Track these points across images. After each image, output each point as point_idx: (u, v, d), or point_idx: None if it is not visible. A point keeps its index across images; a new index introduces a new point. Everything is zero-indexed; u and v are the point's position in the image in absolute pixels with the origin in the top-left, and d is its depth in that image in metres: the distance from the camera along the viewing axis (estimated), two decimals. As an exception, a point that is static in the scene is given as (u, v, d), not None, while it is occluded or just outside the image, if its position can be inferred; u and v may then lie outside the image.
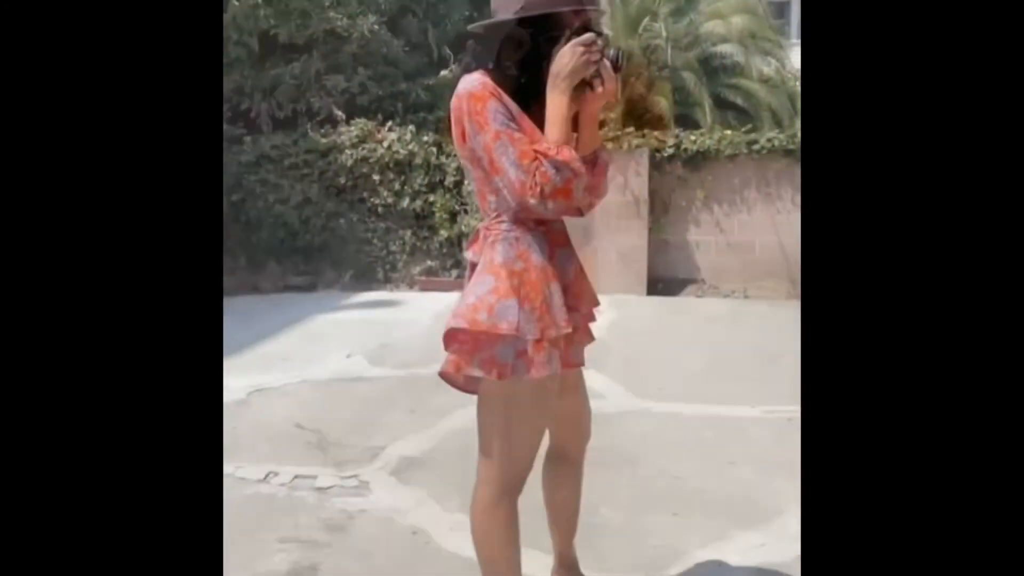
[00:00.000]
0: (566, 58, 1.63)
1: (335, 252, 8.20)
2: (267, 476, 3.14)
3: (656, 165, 7.32)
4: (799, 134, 7.12)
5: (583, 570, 2.33)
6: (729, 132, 7.53)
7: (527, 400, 1.71)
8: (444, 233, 7.70)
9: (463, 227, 7.58)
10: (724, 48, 14.90)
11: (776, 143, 7.05)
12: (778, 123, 12.93)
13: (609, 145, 7.10)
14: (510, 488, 1.75)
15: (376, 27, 8.01)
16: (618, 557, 2.47)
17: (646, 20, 13.79)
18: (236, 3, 7.28)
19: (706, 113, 13.92)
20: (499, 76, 1.69)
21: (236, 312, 7.13)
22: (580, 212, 1.85)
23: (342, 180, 7.93)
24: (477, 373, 1.66)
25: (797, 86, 16.39)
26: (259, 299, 7.89)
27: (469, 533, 2.61)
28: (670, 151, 7.23)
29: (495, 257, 1.68)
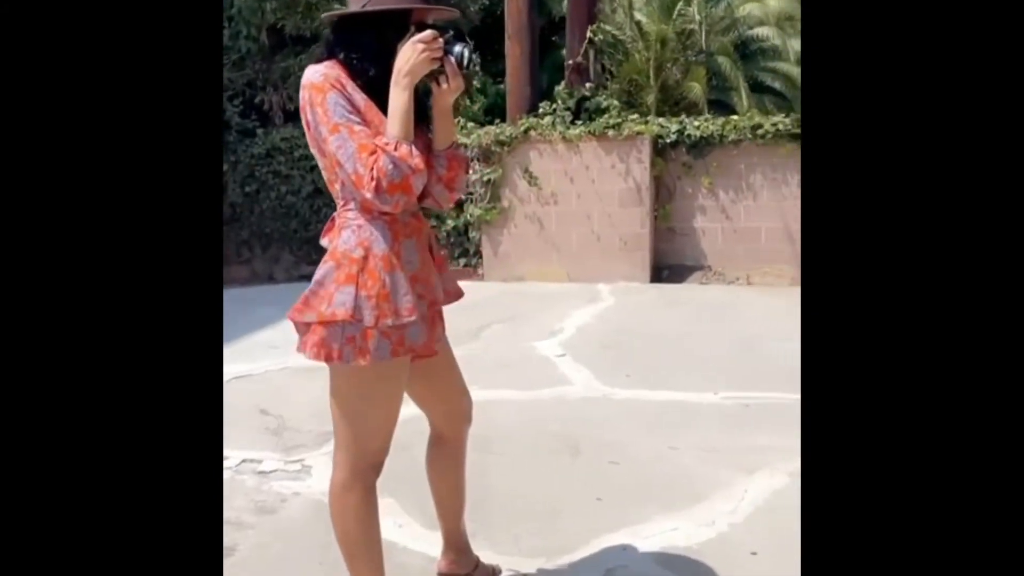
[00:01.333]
0: (406, 54, 1.66)
1: (345, 242, 8.32)
2: (217, 459, 3.23)
3: (660, 152, 7.26)
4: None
5: (489, 552, 2.37)
6: (734, 117, 7.43)
7: (367, 385, 1.74)
8: (451, 222, 7.76)
9: (469, 216, 7.63)
10: (761, 31, 14.68)
11: (781, 127, 6.93)
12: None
13: (610, 133, 7.08)
14: (360, 472, 1.79)
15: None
16: (529, 541, 2.50)
17: (680, 4, 13.63)
18: (240, -2, 7.44)
19: (742, 98, 13.76)
20: (349, 67, 1.72)
21: (246, 301, 7.31)
22: (440, 205, 1.88)
23: (351, 171, 8.05)
24: (308, 355, 1.70)
25: (836, 68, 15.96)
26: (272, 288, 8.07)
27: (391, 514, 2.69)
28: (673, 137, 7.17)
29: (338, 244, 1.72)
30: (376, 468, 1.82)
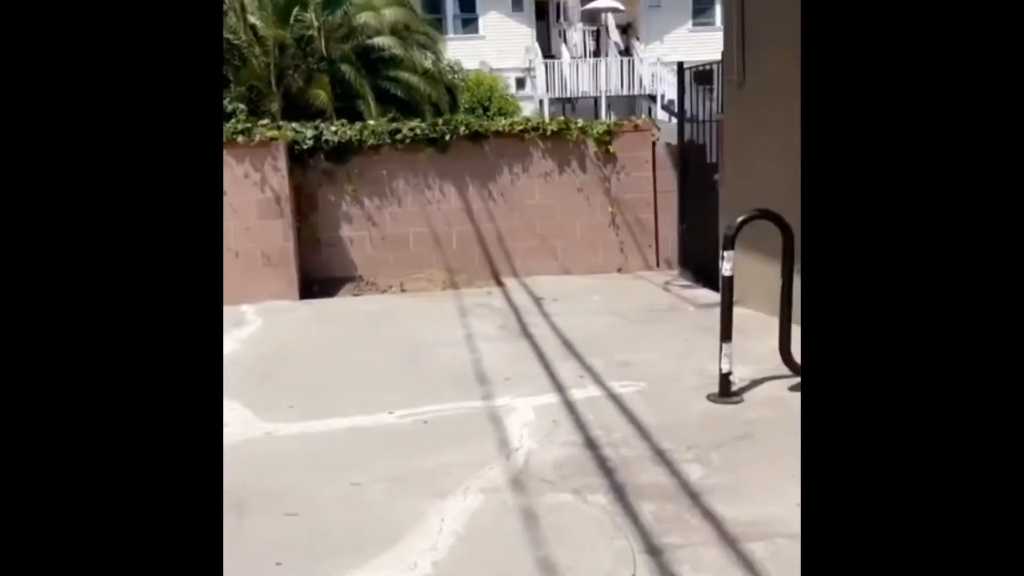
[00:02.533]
0: None
1: None
2: None
3: (297, 159, 6.83)
4: (440, 123, 7.05)
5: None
6: (371, 122, 7.28)
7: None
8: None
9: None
10: (380, 40, 14.82)
11: (419, 132, 6.90)
12: (439, 114, 13.11)
13: (240, 139, 6.49)
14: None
15: None
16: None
17: (296, 10, 13.23)
18: None
19: (370, 106, 13.76)
20: None
21: None
22: None
23: None
24: None
25: (454, 79, 16.79)
26: None
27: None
28: (310, 143, 6.78)
29: None
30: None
